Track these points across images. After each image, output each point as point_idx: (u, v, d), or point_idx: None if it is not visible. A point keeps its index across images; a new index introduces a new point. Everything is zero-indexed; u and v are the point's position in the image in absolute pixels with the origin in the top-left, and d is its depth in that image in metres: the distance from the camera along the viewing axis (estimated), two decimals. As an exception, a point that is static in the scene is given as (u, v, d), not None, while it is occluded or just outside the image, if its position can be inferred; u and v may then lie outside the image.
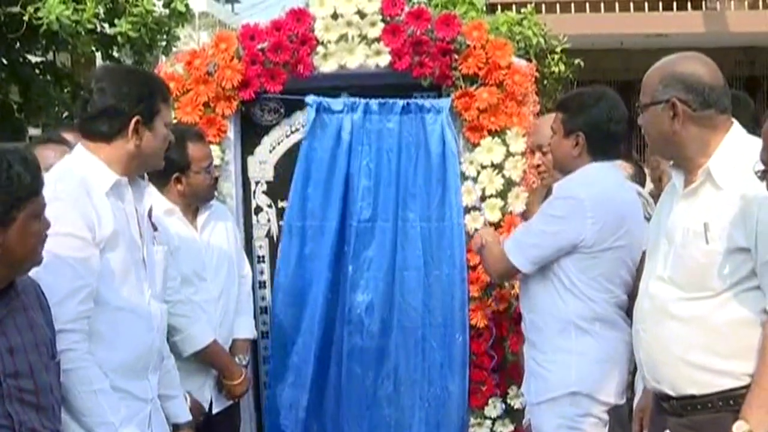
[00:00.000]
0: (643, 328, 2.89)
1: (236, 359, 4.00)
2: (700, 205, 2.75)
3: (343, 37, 4.26)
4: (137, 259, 2.95)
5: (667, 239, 2.83)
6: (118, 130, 2.89)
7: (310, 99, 4.32)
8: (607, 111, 3.57)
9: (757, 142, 2.71)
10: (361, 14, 4.26)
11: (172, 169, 3.77)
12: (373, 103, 4.33)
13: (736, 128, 2.82)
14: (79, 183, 2.82)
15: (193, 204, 3.93)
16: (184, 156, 3.82)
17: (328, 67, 4.28)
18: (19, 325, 2.37)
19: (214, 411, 3.94)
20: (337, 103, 4.34)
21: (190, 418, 3.30)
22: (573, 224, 3.46)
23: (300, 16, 4.26)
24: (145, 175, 3.15)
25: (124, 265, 2.87)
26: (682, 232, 2.76)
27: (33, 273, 2.55)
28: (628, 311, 3.33)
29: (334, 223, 4.32)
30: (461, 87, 4.30)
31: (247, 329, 4.14)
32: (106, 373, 2.78)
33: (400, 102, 4.34)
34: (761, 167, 2.38)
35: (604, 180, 3.55)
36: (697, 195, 2.77)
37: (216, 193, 4.13)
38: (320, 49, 4.26)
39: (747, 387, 2.60)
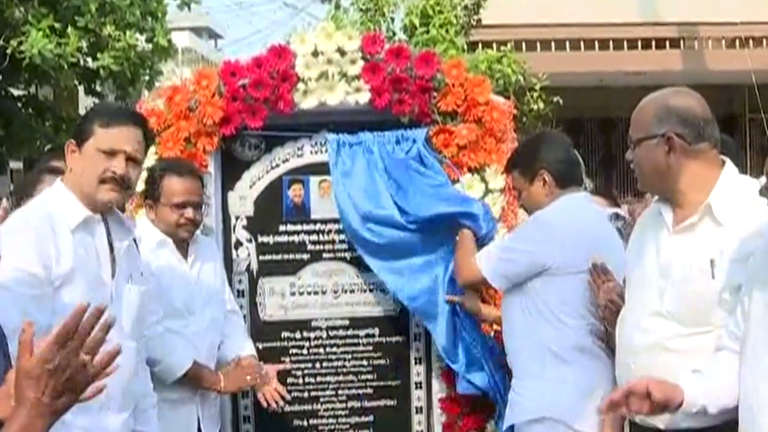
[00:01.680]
0: (634, 361, 2.88)
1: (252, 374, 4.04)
2: (700, 241, 2.75)
3: (323, 75, 4.29)
4: (102, 297, 2.89)
5: (662, 275, 2.82)
6: (65, 159, 2.94)
7: (330, 137, 4.36)
8: (551, 142, 3.76)
9: (749, 181, 2.77)
10: (342, 52, 4.30)
11: (145, 195, 3.84)
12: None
13: (730, 165, 2.85)
14: (45, 218, 2.81)
15: (171, 236, 3.93)
16: (156, 186, 3.86)
17: (308, 103, 4.31)
18: None
19: None
20: (354, 138, 4.38)
21: None
22: (543, 246, 3.53)
23: (281, 53, 4.30)
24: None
25: (83, 301, 2.85)
26: (683, 267, 2.76)
27: None
28: (608, 341, 3.35)
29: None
30: (440, 123, 4.33)
31: (250, 348, 4.19)
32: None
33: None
34: (765, 180, 2.40)
35: (576, 207, 3.64)
36: (695, 230, 2.77)
37: (201, 229, 4.12)
38: (300, 85, 4.29)
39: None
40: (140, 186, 3.91)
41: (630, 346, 2.90)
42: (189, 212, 3.86)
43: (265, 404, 4.10)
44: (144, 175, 3.88)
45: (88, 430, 2.88)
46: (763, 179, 2.40)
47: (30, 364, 1.83)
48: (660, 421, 2.80)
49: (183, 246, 3.95)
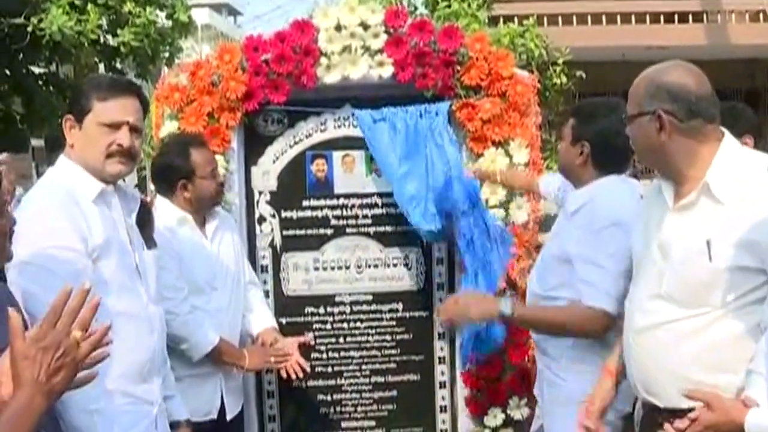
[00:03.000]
0: (636, 341, 2.86)
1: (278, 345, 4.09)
2: (698, 220, 2.70)
3: (346, 49, 4.28)
4: (130, 265, 2.95)
5: (662, 255, 2.78)
6: (64, 133, 2.91)
7: (360, 113, 4.39)
8: (617, 124, 3.34)
9: (752, 154, 2.71)
10: (365, 26, 4.28)
11: (177, 176, 3.84)
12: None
13: (729, 139, 2.76)
14: (66, 194, 2.81)
15: (201, 210, 3.95)
16: (188, 162, 3.86)
17: (331, 78, 4.30)
18: None
19: (228, 418, 3.99)
20: (378, 113, 4.38)
21: (187, 416, 3.32)
22: (626, 250, 3.20)
23: (304, 27, 4.28)
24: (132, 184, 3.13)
25: (118, 272, 2.87)
26: (681, 249, 2.72)
27: (23, 286, 2.54)
28: None
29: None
30: (463, 98, 4.31)
31: (270, 319, 4.23)
32: (113, 378, 2.79)
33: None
34: None
35: (626, 197, 3.45)
36: (694, 209, 2.72)
37: (222, 202, 4.15)
38: (323, 60, 4.28)
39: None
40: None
41: (632, 325, 2.88)
42: (219, 177, 3.98)
43: (285, 377, 4.11)
44: (163, 161, 3.90)
45: (138, 397, 2.92)
46: None
47: (23, 345, 1.89)
48: (660, 399, 2.81)
49: (202, 221, 3.97)
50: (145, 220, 3.18)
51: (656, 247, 2.81)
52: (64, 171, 2.91)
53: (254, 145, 4.48)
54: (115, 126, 2.88)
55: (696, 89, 2.72)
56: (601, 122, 3.45)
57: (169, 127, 4.22)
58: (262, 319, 4.20)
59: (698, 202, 2.71)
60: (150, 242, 3.19)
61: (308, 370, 4.18)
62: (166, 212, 3.82)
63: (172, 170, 3.88)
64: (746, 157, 2.72)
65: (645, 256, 2.88)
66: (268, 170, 4.50)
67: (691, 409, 2.66)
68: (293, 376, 4.11)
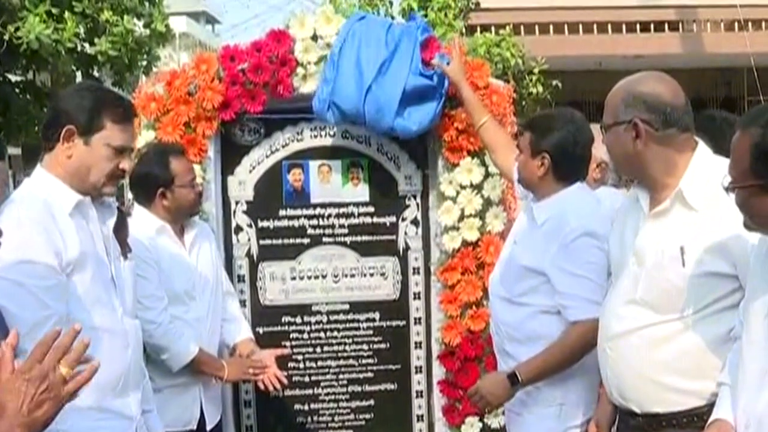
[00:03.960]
0: (610, 347, 2.89)
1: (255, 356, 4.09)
2: (672, 227, 2.74)
3: (322, 59, 4.28)
4: (106, 278, 2.92)
5: (637, 260, 2.82)
6: (55, 139, 2.85)
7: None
8: (574, 134, 3.46)
9: (723, 162, 2.74)
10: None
11: (156, 185, 3.85)
12: None
13: (702, 148, 2.82)
14: (43, 206, 2.78)
15: (179, 220, 3.95)
16: (168, 171, 3.87)
17: (307, 87, 4.31)
18: None
19: (208, 427, 3.99)
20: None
21: (164, 430, 3.31)
22: (602, 258, 3.27)
23: (280, 37, 4.29)
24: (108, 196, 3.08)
25: (93, 285, 2.84)
26: (655, 255, 2.76)
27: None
28: None
29: None
30: (439, 108, 4.32)
31: (247, 330, 4.22)
32: (89, 393, 2.78)
33: None
34: (728, 180, 2.39)
35: (593, 206, 3.49)
36: (668, 216, 2.76)
37: (199, 212, 4.15)
38: (300, 70, 4.29)
39: (712, 405, 2.61)
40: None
41: (607, 332, 2.91)
42: (198, 187, 4.00)
43: (263, 388, 4.11)
44: (144, 169, 3.90)
45: (116, 411, 2.90)
46: (727, 178, 2.39)
47: (8, 378, 1.90)
48: (635, 404, 2.84)
49: (179, 231, 3.97)
50: (120, 228, 3.17)
51: (632, 253, 2.85)
52: (40, 183, 2.87)
53: (231, 155, 4.48)
54: (122, 150, 2.88)
55: (671, 99, 2.77)
56: (559, 134, 3.46)
57: (146, 137, 4.21)
58: (239, 329, 4.20)
59: (672, 209, 2.75)
60: (125, 249, 3.19)
61: (285, 382, 4.17)
62: (145, 221, 3.81)
63: (151, 179, 3.88)
64: (719, 166, 2.76)
65: (621, 262, 2.92)
66: (244, 180, 4.50)
67: (666, 414, 2.69)
68: (270, 388, 4.11)
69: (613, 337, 2.87)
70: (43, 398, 1.90)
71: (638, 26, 13.10)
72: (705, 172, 2.73)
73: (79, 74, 11.82)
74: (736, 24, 13.12)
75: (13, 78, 11.63)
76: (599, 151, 3.76)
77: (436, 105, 4.23)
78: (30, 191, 2.85)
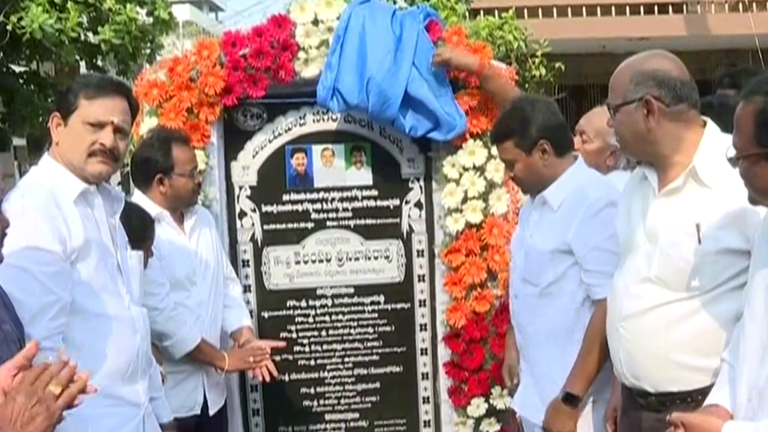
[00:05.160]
0: (623, 326, 2.88)
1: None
2: (686, 204, 2.74)
3: (323, 43, 4.29)
4: (112, 266, 2.93)
5: (649, 239, 2.82)
6: (49, 131, 2.90)
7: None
8: (542, 108, 3.48)
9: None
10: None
11: (155, 170, 3.85)
12: None
13: (712, 125, 2.83)
14: (48, 194, 2.79)
15: (176, 208, 3.96)
16: (168, 157, 3.87)
17: (309, 72, 4.31)
18: None
19: (210, 413, 4.00)
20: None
21: (171, 417, 3.33)
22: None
23: (281, 22, 4.29)
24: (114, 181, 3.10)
25: (98, 273, 2.85)
26: (669, 232, 2.76)
27: (5, 287, 2.55)
28: None
29: None
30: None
31: (245, 317, 4.23)
32: (97, 380, 2.79)
33: None
34: (733, 152, 2.38)
35: (603, 177, 3.56)
36: (680, 193, 2.76)
37: (201, 198, 4.16)
38: (301, 54, 4.29)
39: None
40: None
41: (620, 312, 2.90)
42: (198, 177, 3.98)
43: (260, 378, 4.11)
44: (146, 153, 3.91)
45: (124, 399, 2.91)
46: (731, 150, 2.39)
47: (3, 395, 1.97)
48: (648, 384, 2.84)
49: (179, 217, 3.98)
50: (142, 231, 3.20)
51: (642, 232, 2.85)
52: (46, 170, 2.89)
53: (234, 140, 4.49)
54: (99, 125, 2.86)
55: (679, 75, 2.80)
56: (535, 116, 3.45)
57: (149, 124, 4.22)
58: (238, 317, 4.20)
59: (685, 186, 2.76)
60: (147, 255, 3.21)
61: (276, 374, 4.12)
62: (144, 208, 3.82)
63: (150, 164, 3.89)
64: (727, 142, 2.77)
65: (630, 241, 2.91)
66: (247, 165, 4.51)
67: (681, 392, 2.70)
68: (259, 378, 4.11)
69: (627, 316, 2.87)
70: (34, 412, 1.94)
71: (642, 8, 13.06)
72: (718, 149, 2.73)
73: (83, 64, 11.80)
74: (740, 5, 13.08)
75: (16, 68, 11.62)
76: (612, 138, 3.69)
77: (431, 124, 4.28)
78: (36, 179, 2.87)
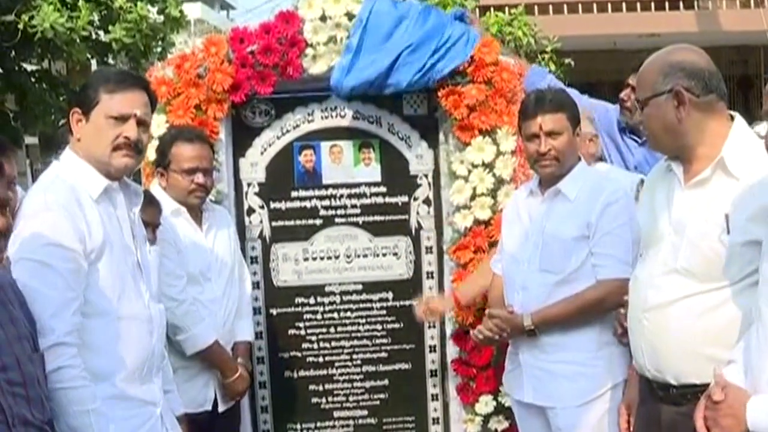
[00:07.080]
0: (647, 317, 2.86)
1: (238, 362, 4.04)
2: (714, 195, 2.74)
3: (331, 39, 4.29)
4: (132, 264, 2.92)
5: (675, 230, 2.81)
6: (70, 129, 2.89)
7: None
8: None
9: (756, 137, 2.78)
10: (350, 16, 4.29)
11: (157, 164, 3.92)
12: None
13: (740, 119, 2.84)
14: (69, 191, 2.78)
15: (184, 204, 3.94)
16: (168, 152, 3.89)
17: (317, 68, 4.31)
18: (1, 320, 2.37)
19: (220, 410, 4.00)
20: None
21: (183, 411, 3.33)
22: (634, 217, 3.34)
23: (289, 18, 4.29)
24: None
25: (118, 272, 2.83)
26: (697, 224, 2.75)
27: (23, 281, 2.55)
28: None
29: None
30: (449, 85, 4.32)
31: (247, 332, 4.18)
32: (114, 383, 2.78)
33: None
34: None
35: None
36: (708, 185, 2.76)
37: (212, 197, 4.15)
38: (309, 51, 4.29)
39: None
40: (151, 155, 3.95)
41: (643, 303, 2.88)
42: (199, 177, 3.88)
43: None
44: (154, 143, 3.91)
45: (141, 399, 2.89)
46: (765, 125, 2.39)
47: None
48: (671, 376, 2.82)
49: (197, 214, 3.98)
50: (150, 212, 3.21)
51: (667, 223, 2.84)
52: (68, 166, 2.88)
53: (242, 137, 4.49)
54: (122, 118, 2.85)
55: (707, 66, 2.82)
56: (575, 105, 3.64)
57: (157, 121, 4.22)
58: (242, 328, 4.14)
59: (713, 177, 2.76)
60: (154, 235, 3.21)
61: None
62: (162, 202, 3.83)
63: (157, 157, 3.95)
64: (753, 136, 2.79)
65: (654, 233, 2.91)
66: (256, 161, 4.52)
67: (703, 385, 2.65)
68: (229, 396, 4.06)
69: (651, 308, 2.85)
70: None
71: (653, 4, 13.01)
72: (745, 142, 2.75)
73: (94, 62, 11.83)
74: (752, 1, 13.02)
75: (28, 67, 11.65)
76: (589, 127, 4.06)
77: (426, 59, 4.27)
78: (57, 175, 2.85)
